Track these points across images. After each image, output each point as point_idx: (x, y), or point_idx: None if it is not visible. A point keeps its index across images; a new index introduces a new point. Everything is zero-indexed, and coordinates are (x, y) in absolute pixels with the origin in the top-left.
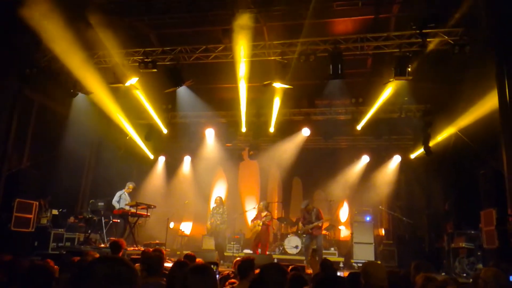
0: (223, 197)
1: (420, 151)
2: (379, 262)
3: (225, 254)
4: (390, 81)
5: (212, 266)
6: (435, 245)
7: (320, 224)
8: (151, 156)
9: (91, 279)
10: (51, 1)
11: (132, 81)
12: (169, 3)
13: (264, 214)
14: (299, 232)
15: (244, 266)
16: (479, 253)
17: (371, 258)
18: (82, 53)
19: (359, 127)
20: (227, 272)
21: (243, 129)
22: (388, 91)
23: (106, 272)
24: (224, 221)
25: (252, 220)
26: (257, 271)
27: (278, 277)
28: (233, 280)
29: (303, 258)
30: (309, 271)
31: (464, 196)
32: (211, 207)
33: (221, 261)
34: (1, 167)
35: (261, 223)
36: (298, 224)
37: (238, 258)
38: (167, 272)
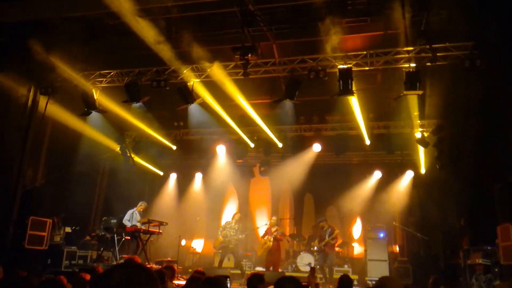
0: (234, 214)
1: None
2: None
3: (237, 272)
4: (401, 96)
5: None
6: (451, 262)
7: (332, 242)
8: (161, 173)
9: (108, 283)
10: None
11: (145, 99)
12: (180, 23)
13: (274, 229)
14: (312, 249)
15: (254, 280)
16: (496, 270)
17: (386, 275)
18: (96, 71)
19: (367, 141)
20: None
21: (251, 145)
22: None
23: (124, 277)
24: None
25: (263, 236)
26: (270, 287)
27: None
28: None
29: (317, 275)
30: None
31: (480, 211)
32: (226, 222)
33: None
34: (16, 185)
35: (272, 239)
36: (315, 241)
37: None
38: None
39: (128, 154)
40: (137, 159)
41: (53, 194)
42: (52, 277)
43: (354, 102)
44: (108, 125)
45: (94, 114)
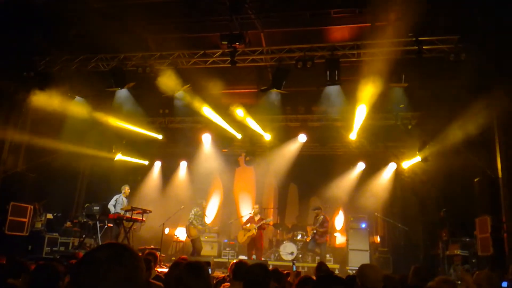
0: (218, 203)
1: (414, 160)
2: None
3: (220, 260)
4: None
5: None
6: (430, 252)
7: (321, 230)
8: (146, 163)
9: (92, 263)
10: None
11: (130, 85)
12: (168, 8)
13: (258, 218)
14: (303, 238)
15: (239, 269)
16: (474, 260)
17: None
18: (80, 56)
19: (352, 136)
20: (223, 276)
21: (238, 136)
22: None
23: (107, 256)
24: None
25: (245, 223)
26: None
27: (262, 273)
28: (227, 284)
29: (299, 264)
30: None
31: (459, 204)
32: (194, 210)
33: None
34: None
35: (256, 227)
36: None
37: (233, 262)
38: (163, 277)
39: (113, 151)
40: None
41: (35, 180)
42: (46, 262)
43: (340, 93)
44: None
45: (78, 99)
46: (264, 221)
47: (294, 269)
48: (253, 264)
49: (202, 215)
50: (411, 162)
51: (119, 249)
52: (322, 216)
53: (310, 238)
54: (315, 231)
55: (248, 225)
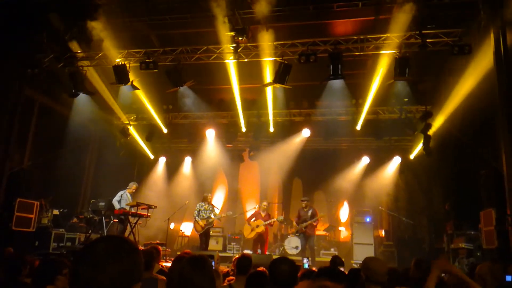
0: (223, 198)
1: (418, 148)
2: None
3: (225, 254)
4: (391, 82)
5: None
6: (435, 246)
7: (314, 223)
8: (152, 156)
9: (90, 256)
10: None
11: (133, 81)
12: (170, 4)
13: (264, 214)
14: (292, 230)
15: (243, 263)
16: (478, 254)
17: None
18: (84, 53)
19: (358, 126)
20: (227, 270)
21: (243, 129)
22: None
23: (106, 249)
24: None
25: (250, 218)
26: (260, 269)
27: (290, 269)
28: (231, 278)
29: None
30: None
31: (464, 197)
32: (198, 205)
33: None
34: (2, 167)
35: (263, 224)
36: (293, 222)
37: (237, 256)
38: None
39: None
40: (126, 142)
41: (41, 176)
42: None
43: (343, 87)
44: (97, 107)
45: (82, 96)
46: (275, 219)
47: (306, 266)
48: (278, 259)
49: (207, 208)
50: (416, 155)
51: (118, 242)
52: (311, 209)
53: (298, 234)
54: (305, 227)
55: (253, 220)
